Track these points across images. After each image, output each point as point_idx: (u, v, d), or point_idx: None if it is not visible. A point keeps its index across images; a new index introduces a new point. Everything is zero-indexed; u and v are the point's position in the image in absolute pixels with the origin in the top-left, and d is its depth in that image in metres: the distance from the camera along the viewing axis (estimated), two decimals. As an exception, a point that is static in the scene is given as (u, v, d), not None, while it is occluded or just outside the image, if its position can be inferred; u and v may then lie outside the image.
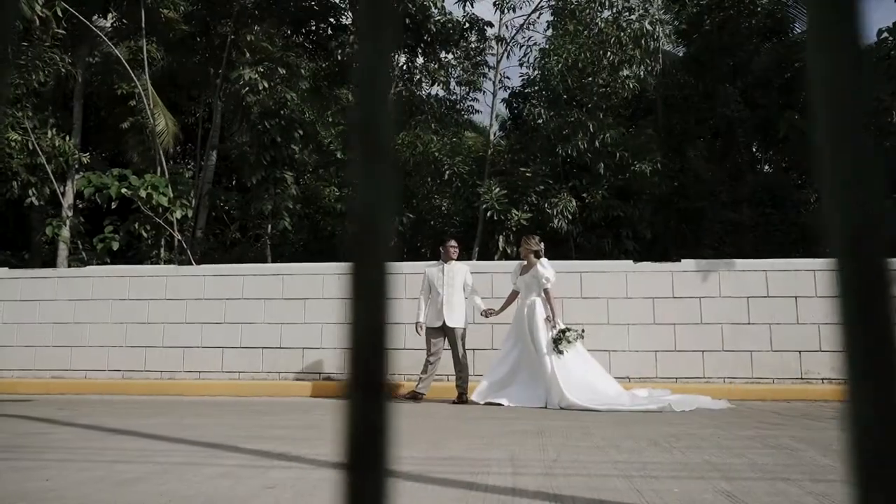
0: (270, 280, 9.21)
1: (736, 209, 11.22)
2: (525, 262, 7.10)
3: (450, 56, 11.65)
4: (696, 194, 11.26)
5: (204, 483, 2.54)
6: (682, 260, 8.67)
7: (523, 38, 10.87)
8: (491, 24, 13.22)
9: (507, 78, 12.12)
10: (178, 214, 10.39)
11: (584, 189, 9.99)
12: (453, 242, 7.21)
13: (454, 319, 6.87)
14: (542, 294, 6.84)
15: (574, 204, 9.26)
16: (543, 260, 6.95)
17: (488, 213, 9.41)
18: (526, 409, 6.03)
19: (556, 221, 9.05)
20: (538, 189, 9.45)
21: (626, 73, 9.26)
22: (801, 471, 2.80)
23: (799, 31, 13.66)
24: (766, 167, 13.48)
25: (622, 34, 8.83)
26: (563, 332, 6.63)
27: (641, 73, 9.05)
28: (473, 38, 11.98)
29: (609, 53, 8.94)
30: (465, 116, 13.33)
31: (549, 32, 10.76)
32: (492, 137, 10.43)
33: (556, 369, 6.50)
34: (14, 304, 9.56)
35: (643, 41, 8.70)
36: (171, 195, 10.33)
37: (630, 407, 6.20)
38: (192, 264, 10.25)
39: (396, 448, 3.22)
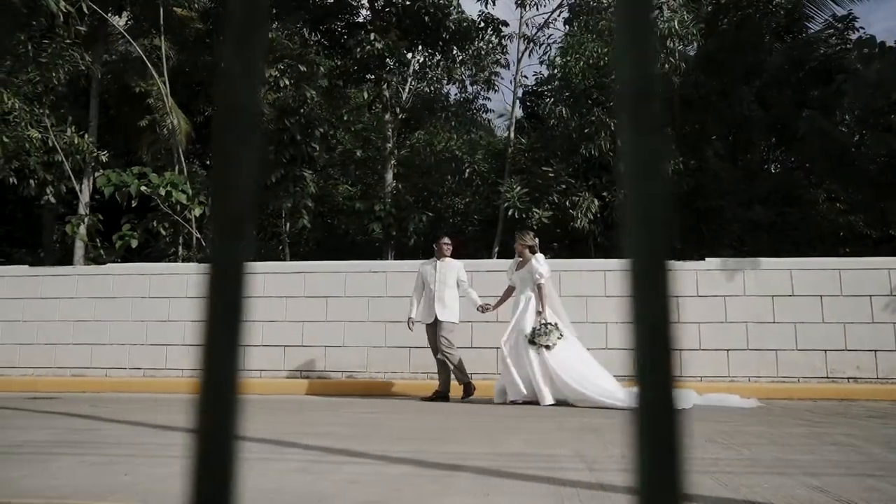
0: (292, 278, 9.18)
1: (753, 208, 11.21)
2: (521, 258, 6.98)
3: (464, 55, 11.61)
4: (713, 193, 11.24)
5: (283, 478, 2.52)
6: (707, 259, 8.66)
7: (543, 35, 10.87)
8: (506, 24, 13.21)
9: (525, 77, 12.15)
10: (196, 212, 10.37)
11: (604, 188, 9.97)
12: (446, 239, 7.23)
13: (445, 314, 6.87)
14: (535, 289, 6.73)
15: (596, 203, 9.25)
16: (538, 255, 6.87)
17: (510, 212, 9.40)
18: (562, 406, 6.00)
19: (578, 221, 9.03)
20: (560, 188, 9.44)
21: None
22: (877, 467, 2.78)
23: (814, 29, 13.65)
24: (779, 166, 13.47)
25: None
26: (544, 325, 6.48)
27: (666, 70, 9.01)
28: (493, 39, 11.95)
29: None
30: (482, 115, 13.34)
31: (567, 29, 10.74)
32: (511, 135, 10.41)
33: (557, 364, 6.41)
34: (34, 301, 9.54)
35: (670, 41, 8.67)
36: (190, 193, 10.31)
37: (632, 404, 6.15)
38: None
39: (455, 444, 3.19)
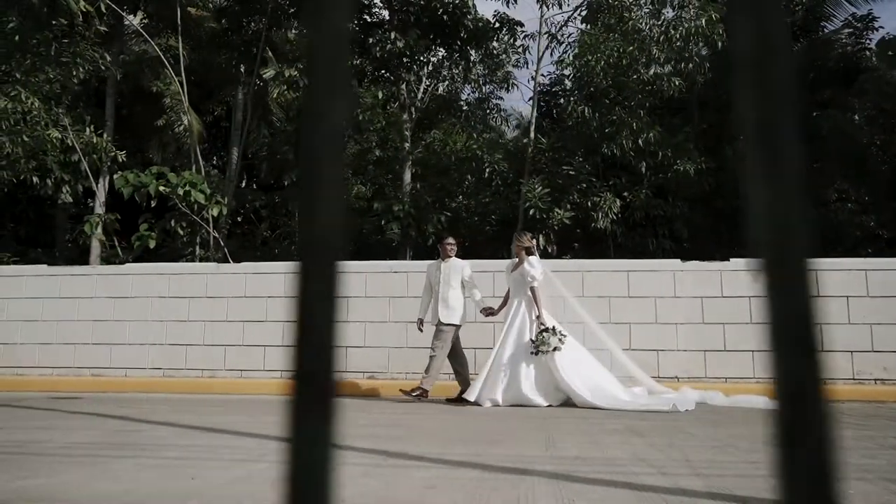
0: (312, 278, 9.13)
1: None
2: (517, 260, 6.85)
3: (480, 54, 11.57)
4: (733, 193, 11.18)
5: (355, 483, 2.47)
6: (731, 259, 8.60)
7: (564, 34, 10.81)
8: (521, 24, 13.17)
9: (543, 76, 12.08)
10: (214, 212, 10.33)
11: (624, 188, 9.91)
12: (450, 239, 7.18)
13: (446, 315, 6.79)
14: (529, 293, 6.60)
15: (618, 203, 9.20)
16: (532, 258, 6.74)
17: (531, 212, 9.34)
18: (588, 408, 5.93)
19: (601, 221, 8.98)
20: (580, 187, 9.38)
21: (667, 68, 9.19)
22: (953, 472, 2.73)
23: (829, 28, 13.58)
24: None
25: (675, 32, 8.75)
26: (543, 331, 6.35)
27: (690, 69, 8.97)
28: (513, 39, 11.90)
29: (655, 51, 8.87)
30: (495, 115, 13.28)
31: (586, 27, 10.68)
32: (532, 135, 10.34)
33: (558, 367, 6.32)
34: (53, 301, 9.50)
35: (697, 40, 8.61)
36: (207, 193, 10.27)
37: (634, 406, 6.07)
38: (228, 262, 10.19)
39: (508, 447, 3.14)
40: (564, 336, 6.41)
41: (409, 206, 10.47)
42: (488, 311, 7.02)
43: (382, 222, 10.55)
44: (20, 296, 9.54)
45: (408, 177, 11.01)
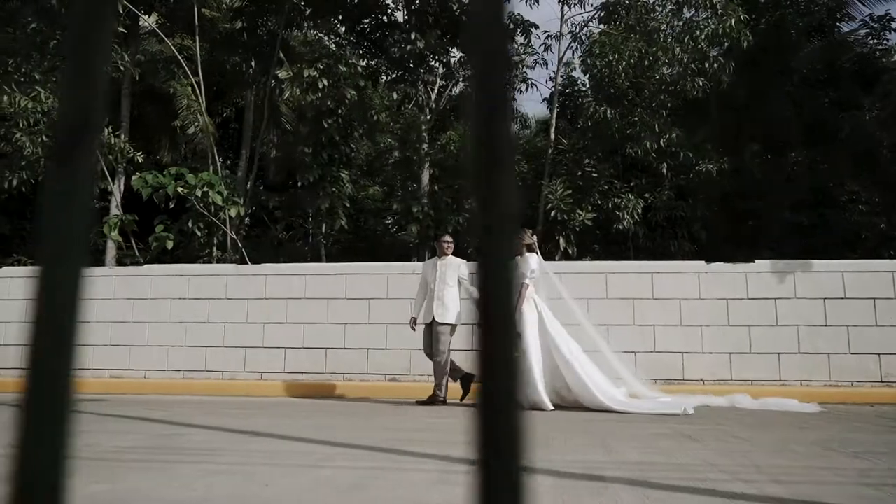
0: (333, 280, 9.09)
1: (792, 209, 11.10)
2: (519, 258, 6.79)
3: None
4: (752, 195, 11.13)
5: (430, 490, 2.42)
6: (756, 260, 8.55)
7: (584, 34, 10.74)
8: (536, 26, 13.12)
9: (563, 77, 11.92)
10: (232, 213, 10.28)
11: (645, 189, 9.86)
12: (447, 237, 7.07)
13: (442, 315, 6.69)
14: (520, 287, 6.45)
15: (640, 204, 9.15)
16: (529, 255, 6.59)
17: (552, 214, 9.29)
18: (596, 410, 5.86)
19: (624, 222, 8.92)
20: (602, 189, 9.33)
21: (691, 69, 9.12)
22: None
23: (845, 29, 13.52)
24: (810, 168, 13.36)
25: (700, 34, 8.70)
26: None
27: (714, 70, 8.91)
28: (528, 40, 11.85)
29: (679, 51, 8.81)
30: (521, 114, 13.25)
31: (605, 27, 10.62)
32: (552, 136, 10.30)
33: (570, 364, 6.22)
34: (72, 302, 9.45)
35: (723, 41, 8.56)
36: (225, 193, 10.23)
37: (639, 409, 5.98)
38: (246, 263, 10.14)
39: (568, 452, 3.08)
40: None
41: (428, 208, 10.43)
42: None
43: (403, 223, 10.51)
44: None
45: (426, 178, 10.97)
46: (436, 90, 11.87)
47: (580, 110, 11.56)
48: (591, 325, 7.15)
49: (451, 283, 6.80)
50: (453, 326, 6.74)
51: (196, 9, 10.75)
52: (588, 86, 11.72)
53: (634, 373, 7.21)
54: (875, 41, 12.60)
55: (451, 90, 13.44)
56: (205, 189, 9.73)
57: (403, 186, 11.48)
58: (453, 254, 6.96)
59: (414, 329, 7.07)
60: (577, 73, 12.42)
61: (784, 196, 11.48)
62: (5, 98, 8.49)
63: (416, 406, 6.68)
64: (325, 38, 11.04)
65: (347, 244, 12.91)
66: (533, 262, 6.59)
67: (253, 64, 12.61)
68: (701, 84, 9.15)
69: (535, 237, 6.82)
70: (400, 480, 2.57)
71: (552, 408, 6.07)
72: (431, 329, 6.78)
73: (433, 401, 6.69)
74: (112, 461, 3.01)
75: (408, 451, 3.34)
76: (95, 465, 2.89)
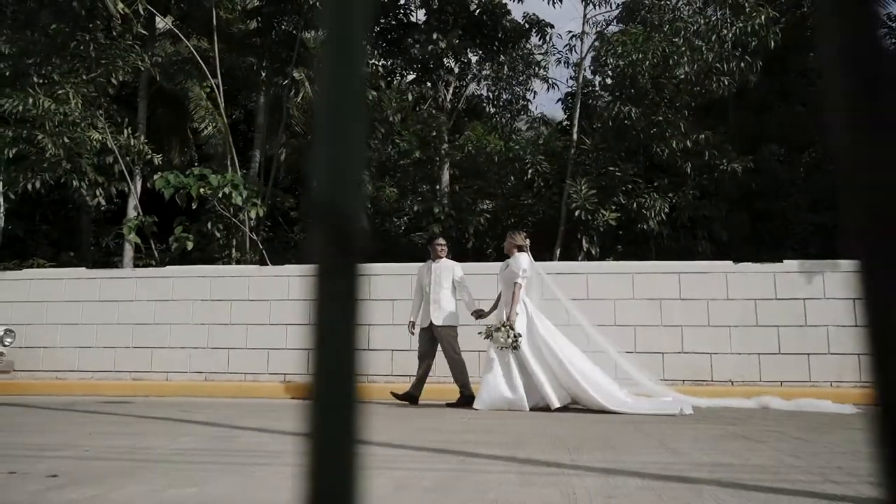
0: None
1: (813, 209, 11.05)
2: (510, 258, 6.63)
3: (518, 54, 11.51)
4: (774, 194, 11.07)
5: (520, 491, 2.36)
6: (785, 260, 8.50)
7: (608, 32, 10.70)
8: (552, 26, 13.09)
9: (587, 76, 11.86)
10: (252, 214, 10.24)
11: (669, 189, 9.82)
12: (440, 240, 7.12)
13: (439, 318, 6.73)
14: (513, 287, 6.38)
15: (666, 205, 9.10)
16: (520, 254, 6.52)
17: (576, 213, 9.24)
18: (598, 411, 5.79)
19: (650, 222, 8.88)
20: (626, 188, 9.29)
21: (712, 67, 9.07)
22: None
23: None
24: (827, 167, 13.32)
25: (728, 32, 8.66)
26: (499, 327, 6.16)
27: (742, 68, 8.86)
28: (543, 40, 11.82)
29: (705, 50, 8.77)
30: (531, 115, 13.24)
31: (626, 26, 10.58)
32: (574, 136, 10.25)
33: (566, 365, 6.14)
34: (93, 304, 9.41)
35: (751, 40, 8.51)
36: (245, 195, 10.18)
37: (638, 410, 5.91)
38: (266, 264, 10.09)
39: (631, 453, 3.03)
40: (518, 338, 6.15)
41: (449, 208, 10.38)
42: (478, 314, 6.85)
43: (423, 224, 10.46)
44: (59, 299, 9.45)
45: (446, 178, 10.93)
46: (450, 90, 11.84)
47: (594, 110, 11.53)
48: (592, 325, 7.06)
49: (446, 285, 6.85)
50: (452, 328, 6.77)
51: (214, 10, 10.71)
52: (599, 86, 11.69)
53: (641, 371, 7.09)
54: (894, 41, 12.55)
55: (465, 89, 13.41)
56: (228, 190, 9.67)
57: (407, 189, 11.44)
58: (447, 256, 7.04)
59: (413, 333, 7.10)
60: (589, 74, 12.37)
61: (804, 196, 11.43)
62: (30, 100, 8.46)
63: (446, 408, 6.64)
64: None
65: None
66: (524, 262, 6.50)
67: (266, 65, 12.59)
68: (726, 83, 9.11)
69: (526, 238, 6.73)
70: (483, 482, 2.52)
71: (558, 405, 5.98)
72: (430, 332, 6.83)
73: (465, 401, 6.65)
74: (179, 463, 2.96)
75: (470, 453, 3.29)
76: (167, 467, 2.84)
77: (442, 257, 6.95)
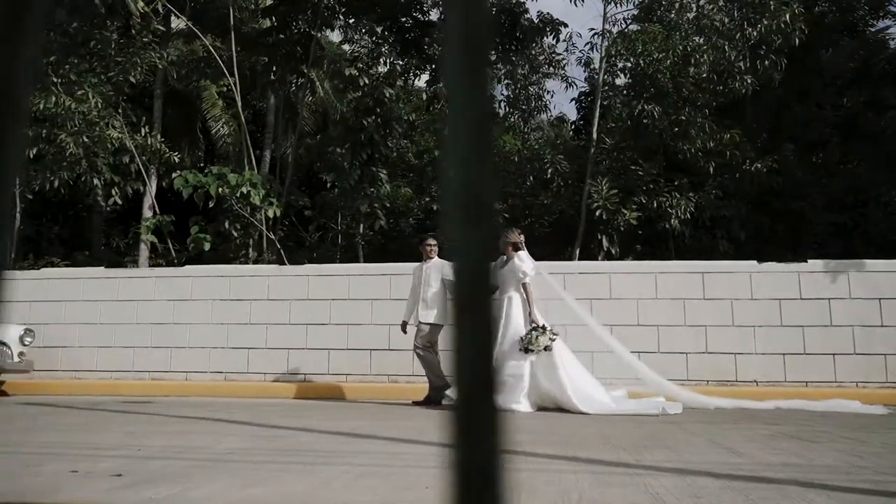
0: (377, 280, 8.99)
1: (832, 209, 11.00)
2: (505, 257, 6.53)
3: (537, 53, 11.48)
4: (792, 194, 11.02)
5: (603, 492, 2.32)
6: (809, 260, 8.45)
7: (628, 31, 10.65)
8: (565, 24, 13.05)
9: (610, 76, 11.74)
10: (270, 213, 10.20)
11: (686, 188, 9.77)
12: (431, 240, 7.11)
13: (425, 316, 6.76)
14: (521, 289, 6.33)
15: (692, 204, 9.06)
16: (521, 253, 6.45)
17: (597, 213, 9.20)
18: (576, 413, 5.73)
19: (673, 221, 8.83)
20: (647, 188, 9.25)
21: (734, 65, 9.02)
22: None
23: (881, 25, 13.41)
24: (848, 166, 13.26)
25: (752, 30, 8.61)
26: (533, 329, 6.09)
27: (766, 67, 8.81)
28: (556, 39, 11.78)
29: (727, 49, 8.73)
30: (536, 115, 13.20)
31: (641, 26, 10.54)
32: (594, 135, 10.19)
33: (558, 367, 6.05)
34: (111, 304, 9.36)
35: (776, 38, 8.46)
36: (262, 194, 10.15)
37: (621, 410, 5.84)
38: (283, 264, 10.05)
39: (690, 454, 2.97)
40: (556, 335, 6.13)
41: (468, 207, 10.28)
42: None
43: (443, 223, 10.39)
44: (77, 298, 9.40)
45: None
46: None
47: (608, 109, 11.47)
48: (598, 324, 7.00)
49: (435, 284, 6.85)
50: (437, 326, 6.74)
51: (231, 9, 10.67)
52: (609, 86, 11.64)
53: (650, 370, 7.00)
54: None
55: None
56: (247, 189, 9.63)
57: (432, 187, 11.38)
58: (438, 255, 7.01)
59: (405, 332, 7.15)
60: (605, 74, 12.32)
61: (822, 196, 11.38)
62: (52, 99, 8.43)
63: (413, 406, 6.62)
64: (362, 37, 10.95)
65: (378, 245, 12.83)
66: (528, 260, 6.43)
67: (280, 64, 12.54)
68: (749, 82, 9.05)
69: (521, 235, 6.66)
70: (561, 482, 2.47)
71: (529, 410, 5.93)
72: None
73: (432, 400, 6.70)
74: (238, 463, 2.91)
75: (531, 452, 3.24)
76: (225, 466, 2.80)
77: (432, 257, 6.98)
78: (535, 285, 6.49)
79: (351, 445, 3.53)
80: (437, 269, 6.88)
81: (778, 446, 3.52)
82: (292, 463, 2.93)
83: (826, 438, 3.84)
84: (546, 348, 6.05)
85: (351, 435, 3.90)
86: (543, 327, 6.11)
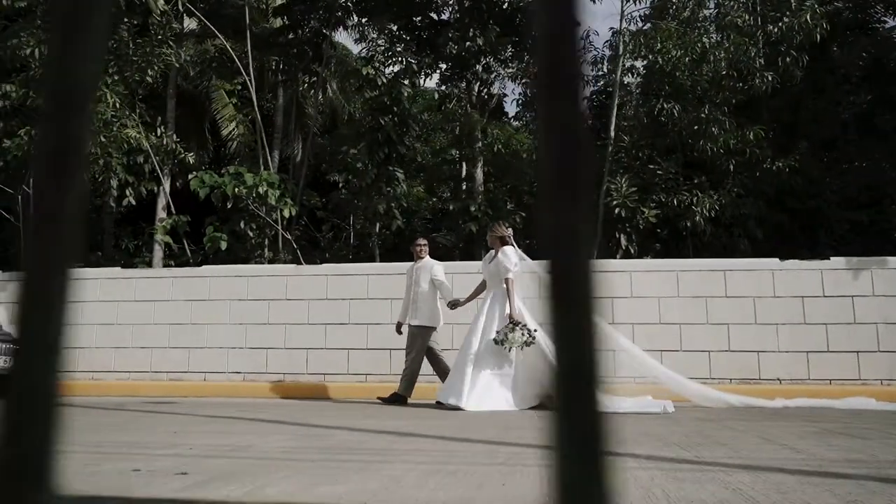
0: (395, 280, 8.92)
1: (848, 207, 10.96)
2: (494, 252, 6.48)
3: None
4: (805, 193, 10.99)
5: (682, 488, 2.28)
6: (832, 258, 8.42)
7: (645, 28, 10.63)
8: (578, 23, 12.99)
9: (624, 74, 11.71)
10: (286, 213, 10.16)
11: (705, 186, 9.74)
12: (420, 241, 7.11)
13: (415, 317, 6.76)
14: (504, 285, 6.23)
15: (715, 203, 9.03)
16: (507, 248, 6.37)
17: (616, 210, 9.16)
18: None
19: (697, 218, 8.79)
20: (666, 186, 9.21)
21: (755, 62, 8.98)
22: None
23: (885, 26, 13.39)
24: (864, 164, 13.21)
25: (773, 28, 8.58)
26: (511, 326, 5.97)
27: (787, 65, 8.78)
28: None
29: (748, 46, 8.70)
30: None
31: (658, 23, 10.50)
32: (612, 133, 10.16)
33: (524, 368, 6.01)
34: (129, 304, 9.33)
35: (796, 35, 8.43)
36: (278, 194, 10.11)
37: (623, 409, 5.76)
38: (300, 263, 10.01)
39: (752, 449, 2.93)
40: (534, 332, 5.96)
41: (485, 207, 10.30)
42: (453, 304, 6.76)
43: (460, 222, 10.37)
44: (94, 298, 9.37)
45: (480, 176, 10.85)
46: (485, 88, 11.77)
47: (620, 108, 11.43)
48: (606, 323, 6.90)
49: (424, 285, 6.84)
50: (426, 328, 6.73)
51: (247, 8, 10.64)
52: (620, 85, 11.59)
53: (664, 367, 6.93)
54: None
55: (491, 86, 13.33)
56: (263, 189, 9.59)
57: (457, 185, 11.35)
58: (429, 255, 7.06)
59: (400, 333, 7.15)
60: (619, 72, 12.28)
61: (836, 194, 11.35)
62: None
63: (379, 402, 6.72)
64: (379, 36, 10.92)
65: (392, 245, 12.80)
66: (513, 256, 6.32)
67: (292, 63, 12.51)
68: (770, 79, 9.02)
69: (509, 230, 6.62)
70: (637, 480, 2.43)
71: (518, 408, 5.89)
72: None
73: (396, 399, 6.75)
74: (296, 461, 2.87)
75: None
76: (287, 465, 2.76)
77: (423, 258, 6.98)
78: (524, 283, 6.39)
79: (402, 444, 3.49)
80: (426, 270, 6.89)
81: (832, 443, 3.49)
82: (351, 461, 2.89)
83: (877, 435, 3.81)
84: (523, 345, 5.95)
85: (397, 434, 3.86)
86: (517, 323, 6.00)
